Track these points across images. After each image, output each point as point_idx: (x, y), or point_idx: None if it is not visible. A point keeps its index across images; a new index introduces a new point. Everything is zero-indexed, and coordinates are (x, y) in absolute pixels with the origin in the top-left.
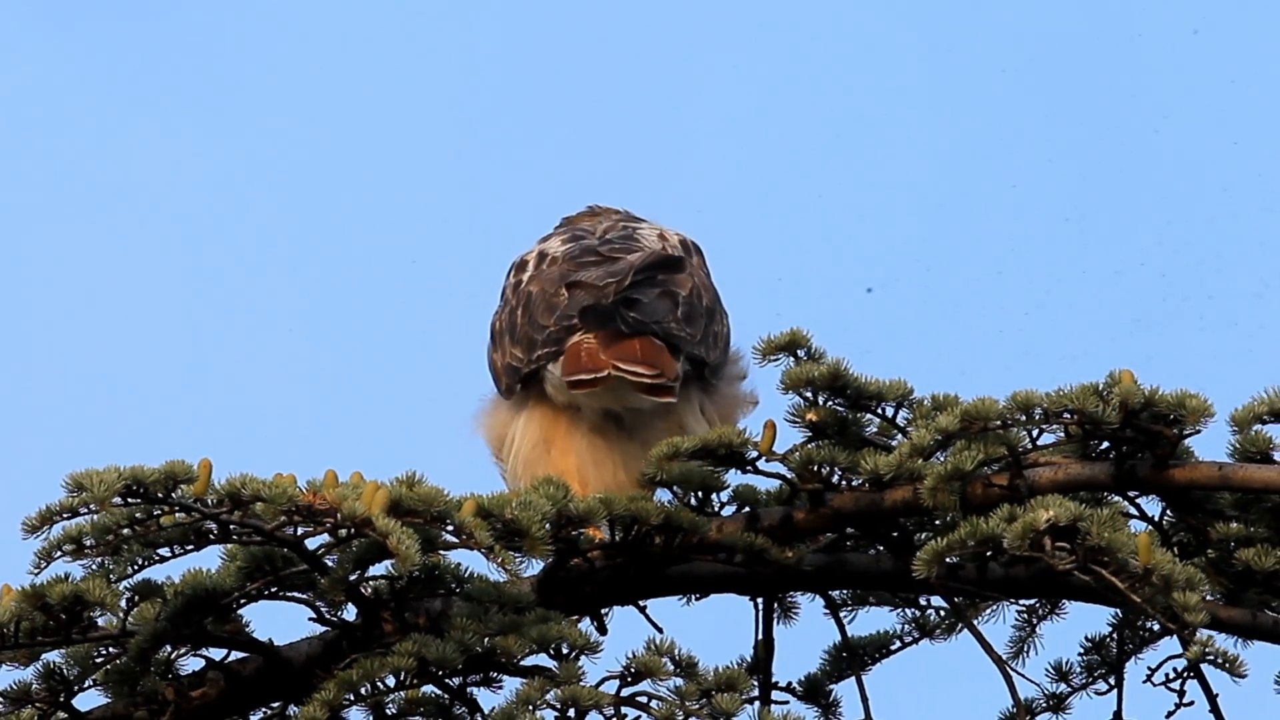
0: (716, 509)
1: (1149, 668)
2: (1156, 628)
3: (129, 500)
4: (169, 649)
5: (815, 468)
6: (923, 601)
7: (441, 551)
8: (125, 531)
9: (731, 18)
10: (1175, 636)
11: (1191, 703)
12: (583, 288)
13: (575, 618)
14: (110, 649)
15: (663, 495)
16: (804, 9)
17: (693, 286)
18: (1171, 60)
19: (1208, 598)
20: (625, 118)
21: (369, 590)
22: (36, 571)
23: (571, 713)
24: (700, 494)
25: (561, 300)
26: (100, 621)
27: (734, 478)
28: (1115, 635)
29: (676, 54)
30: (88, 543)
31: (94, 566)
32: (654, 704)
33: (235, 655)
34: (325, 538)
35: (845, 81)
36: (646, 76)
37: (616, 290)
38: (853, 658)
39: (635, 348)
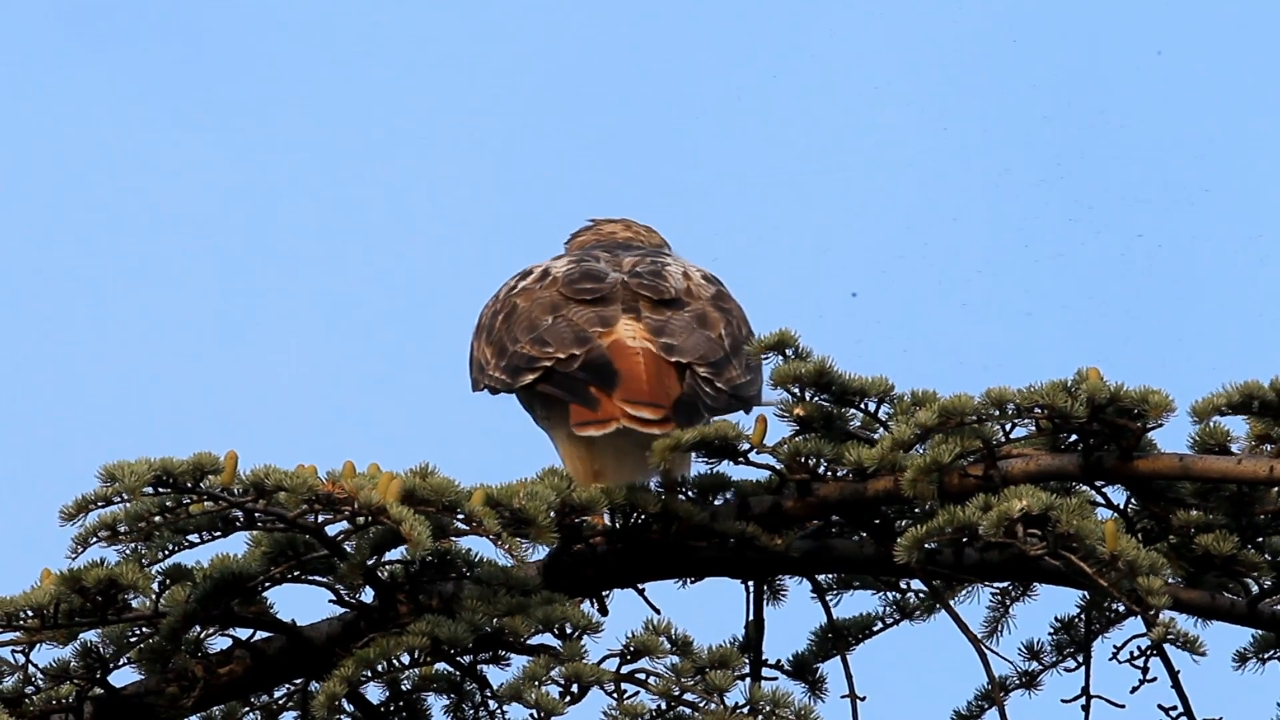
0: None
1: (1115, 646)
2: (1122, 609)
3: (159, 490)
4: (198, 629)
5: (803, 459)
6: (903, 585)
7: (453, 538)
8: (156, 519)
9: (724, 25)
10: (1139, 617)
11: (1155, 679)
12: (566, 321)
13: (578, 599)
14: (143, 629)
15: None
16: (793, 15)
17: (728, 321)
18: (1145, 70)
19: (1169, 581)
20: (622, 125)
21: (385, 574)
22: (73, 556)
23: (575, 688)
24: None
25: (543, 325)
26: (134, 603)
27: (726, 470)
28: (1083, 616)
29: (672, 60)
30: (121, 529)
31: (127, 552)
32: (652, 680)
33: (260, 635)
34: (344, 525)
35: (835, 85)
36: (643, 85)
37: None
38: (838, 638)
39: (644, 389)
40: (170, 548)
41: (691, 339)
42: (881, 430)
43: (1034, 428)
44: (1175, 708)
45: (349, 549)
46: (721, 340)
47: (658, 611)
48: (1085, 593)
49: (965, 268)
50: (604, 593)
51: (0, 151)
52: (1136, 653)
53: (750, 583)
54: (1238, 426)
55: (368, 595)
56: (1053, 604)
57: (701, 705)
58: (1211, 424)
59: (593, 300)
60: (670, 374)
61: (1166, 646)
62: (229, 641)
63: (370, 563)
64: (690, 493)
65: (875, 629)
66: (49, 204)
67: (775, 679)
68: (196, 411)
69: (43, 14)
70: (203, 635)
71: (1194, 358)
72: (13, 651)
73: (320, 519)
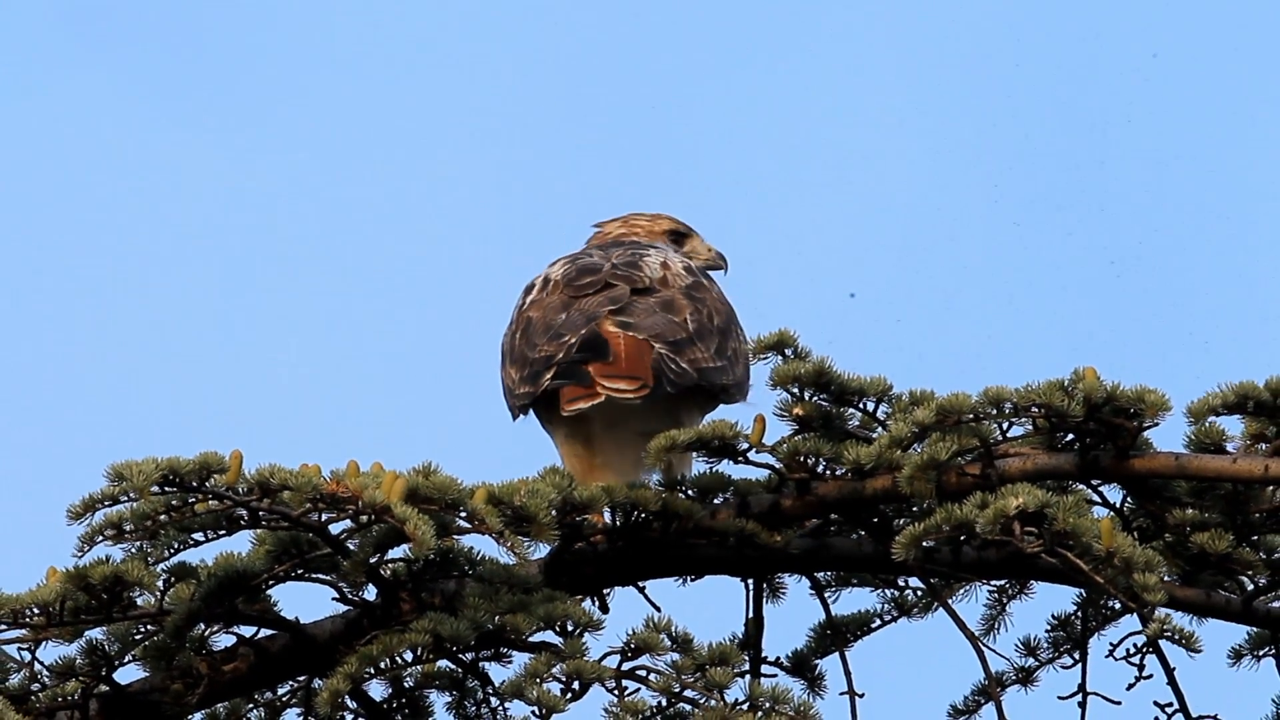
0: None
1: (1111, 644)
2: (1118, 606)
3: (166, 489)
4: (203, 626)
5: (802, 458)
6: (901, 582)
7: (455, 536)
8: (162, 518)
9: (723, 28)
10: (1135, 615)
11: (1150, 676)
12: (580, 312)
13: (579, 597)
14: (148, 626)
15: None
16: (788, 18)
17: (696, 308)
18: (1139, 72)
19: (1165, 578)
20: (623, 125)
21: (388, 572)
22: (80, 554)
23: (576, 685)
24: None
25: (558, 323)
26: (139, 601)
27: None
28: (1080, 613)
29: (672, 60)
30: (127, 528)
31: (133, 550)
32: (652, 677)
33: (264, 632)
34: (348, 523)
35: (830, 87)
36: (643, 85)
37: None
38: (836, 635)
39: (622, 365)
40: (175, 546)
41: (650, 320)
42: (879, 429)
43: (1031, 427)
44: (1170, 704)
45: (352, 547)
46: (685, 323)
47: (658, 609)
48: (1082, 590)
49: (964, 268)
50: (605, 590)
51: (0, 151)
52: (1133, 650)
53: (750, 580)
54: (1233, 426)
55: (370, 593)
56: (1050, 602)
57: (701, 702)
58: (1207, 423)
59: (596, 290)
60: (649, 352)
61: (1162, 644)
62: (233, 639)
63: (373, 561)
64: (690, 491)
65: (873, 626)
66: (49, 204)
67: (775, 676)
68: (200, 411)
69: (43, 14)
70: (207, 633)
71: (1190, 358)
72: (19, 649)
73: (324, 518)
